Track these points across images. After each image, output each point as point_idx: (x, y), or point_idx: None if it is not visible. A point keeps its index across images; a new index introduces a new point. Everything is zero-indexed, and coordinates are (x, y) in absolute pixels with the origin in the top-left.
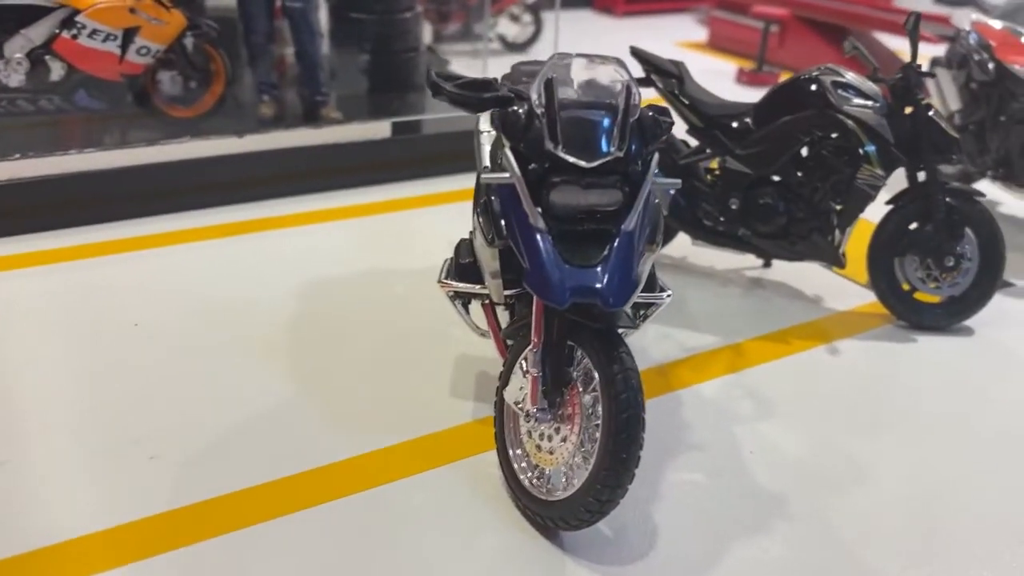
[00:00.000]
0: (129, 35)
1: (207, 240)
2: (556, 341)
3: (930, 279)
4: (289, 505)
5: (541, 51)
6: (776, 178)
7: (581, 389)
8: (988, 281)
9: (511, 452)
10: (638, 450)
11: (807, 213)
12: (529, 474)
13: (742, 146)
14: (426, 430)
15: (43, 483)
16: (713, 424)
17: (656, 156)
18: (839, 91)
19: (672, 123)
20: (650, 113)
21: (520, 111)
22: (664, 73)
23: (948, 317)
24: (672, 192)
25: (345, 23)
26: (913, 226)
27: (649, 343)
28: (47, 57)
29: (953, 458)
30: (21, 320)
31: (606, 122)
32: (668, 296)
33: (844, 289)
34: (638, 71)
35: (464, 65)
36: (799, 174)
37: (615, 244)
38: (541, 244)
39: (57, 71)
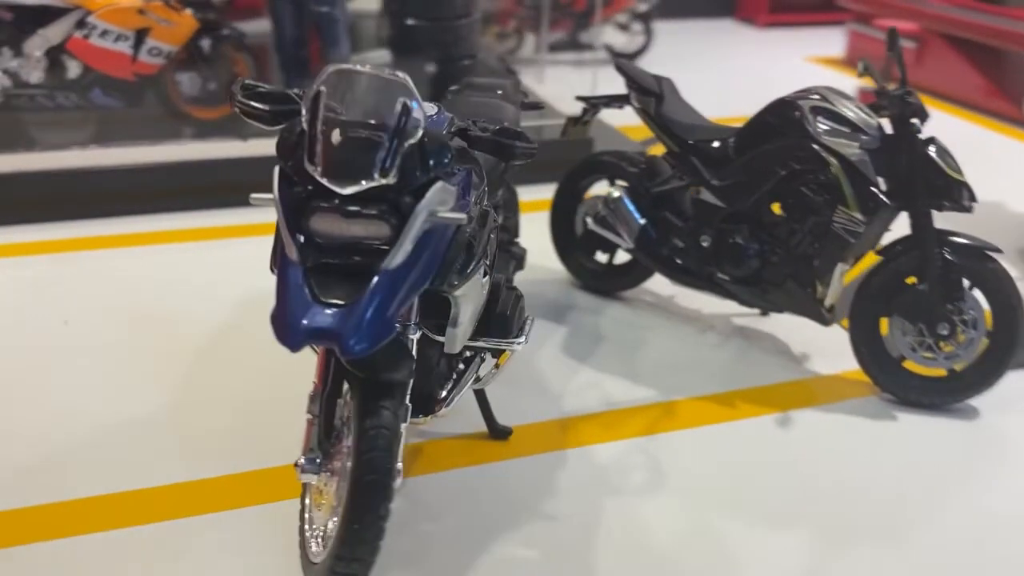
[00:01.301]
0: (141, 36)
1: (172, 243)
2: (331, 386)
3: (923, 347)
4: (90, 524)
5: (651, 63)
6: (753, 216)
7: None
8: (999, 357)
9: (306, 501)
10: (378, 521)
11: (782, 258)
12: (307, 529)
13: (719, 176)
14: (267, 464)
15: None
16: (584, 493)
17: (438, 185)
18: (819, 119)
19: (524, 148)
20: (437, 137)
21: (296, 128)
22: (644, 91)
23: (941, 394)
24: (640, 223)
25: (401, 30)
26: (911, 281)
27: (570, 390)
28: (64, 56)
29: None
30: None
31: (375, 144)
32: (518, 344)
33: (843, 349)
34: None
35: (561, 77)
36: (775, 212)
37: (371, 284)
38: (289, 277)
39: (74, 69)
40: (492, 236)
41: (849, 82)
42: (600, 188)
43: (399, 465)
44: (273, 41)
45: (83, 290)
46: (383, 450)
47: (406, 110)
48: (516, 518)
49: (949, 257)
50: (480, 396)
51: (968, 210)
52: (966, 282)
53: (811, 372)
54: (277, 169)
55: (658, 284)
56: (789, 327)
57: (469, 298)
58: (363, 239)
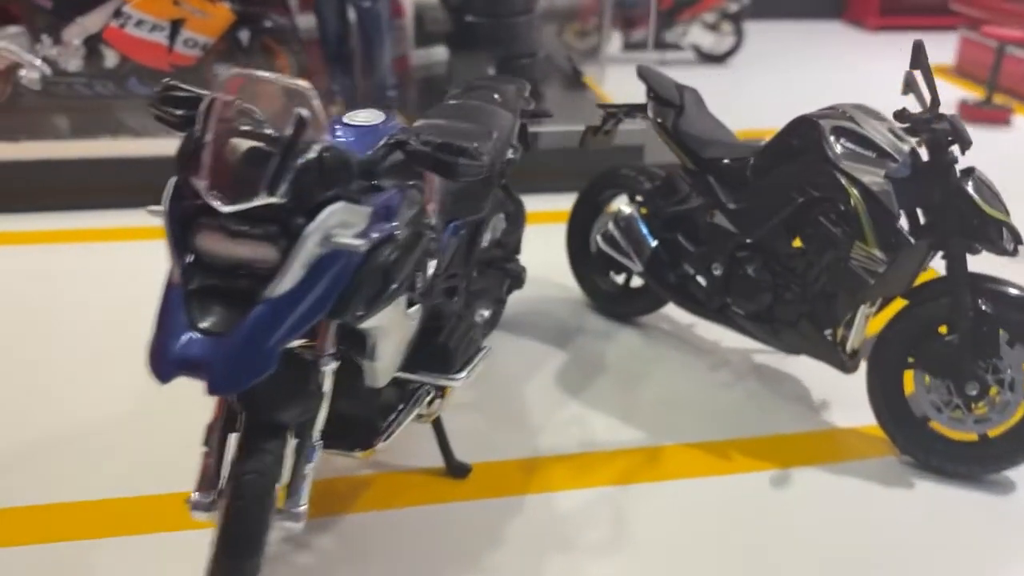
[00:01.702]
0: (176, 27)
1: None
2: (226, 418)
3: (950, 407)
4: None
5: (741, 64)
6: (767, 245)
7: None
8: None
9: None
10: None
11: (796, 295)
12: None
13: (735, 198)
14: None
15: None
16: (530, 546)
17: (336, 206)
18: (841, 141)
19: (466, 166)
20: (339, 153)
21: (194, 137)
22: (663, 101)
23: (970, 463)
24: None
25: (461, 27)
26: (942, 331)
27: (550, 426)
28: (101, 45)
29: None
30: None
31: (265, 159)
32: (456, 380)
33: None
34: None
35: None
36: (791, 243)
37: (251, 313)
38: (169, 300)
39: (111, 58)
40: (430, 260)
41: (957, 93)
42: (622, 203)
43: (303, 508)
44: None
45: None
46: (253, 499)
47: (301, 123)
48: (448, 569)
49: (985, 306)
50: (438, 428)
51: (1010, 254)
52: (1004, 336)
53: (826, 424)
54: (172, 181)
55: (679, 311)
56: (813, 370)
57: (388, 330)
58: (250, 262)
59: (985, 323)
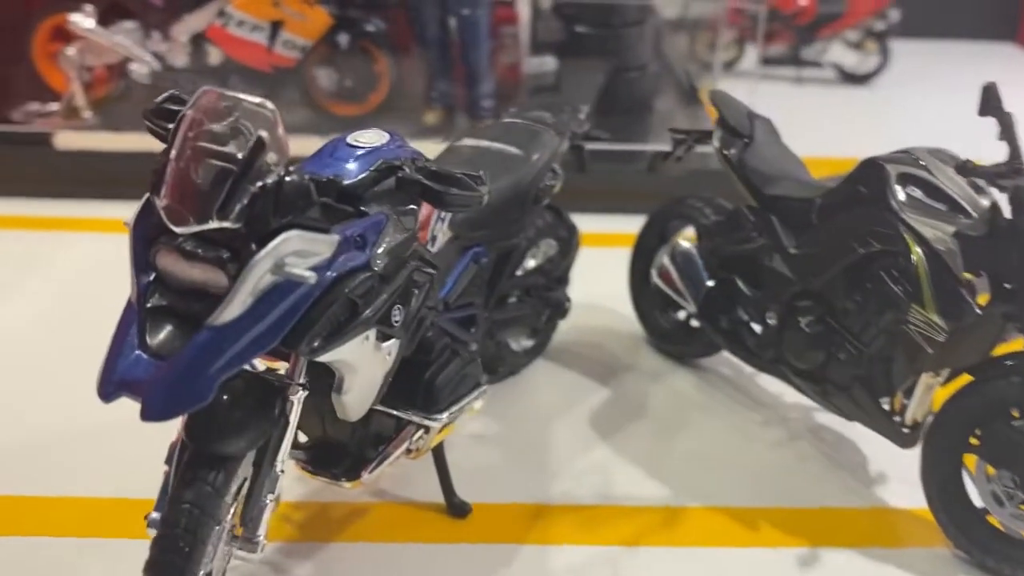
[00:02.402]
0: (276, 28)
1: None
2: (182, 444)
3: (1014, 503)
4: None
5: (885, 87)
6: (824, 297)
7: None
8: None
9: None
10: None
11: (851, 356)
12: None
13: (796, 242)
14: None
15: None
16: None
17: (290, 234)
18: (908, 189)
19: (458, 197)
20: (299, 179)
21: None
22: (731, 130)
23: None
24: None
25: (569, 36)
26: (1014, 414)
27: (570, 472)
28: (206, 43)
29: None
30: None
31: (220, 182)
32: (434, 421)
33: None
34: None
35: (775, 95)
36: (849, 298)
37: (193, 339)
38: (124, 318)
39: (215, 56)
40: (415, 291)
41: None
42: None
43: (260, 536)
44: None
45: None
46: (184, 531)
47: (259, 144)
48: None
49: None
50: (440, 463)
51: None
52: None
53: (876, 501)
54: (144, 197)
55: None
56: (878, 439)
57: (356, 365)
58: (203, 285)
59: None
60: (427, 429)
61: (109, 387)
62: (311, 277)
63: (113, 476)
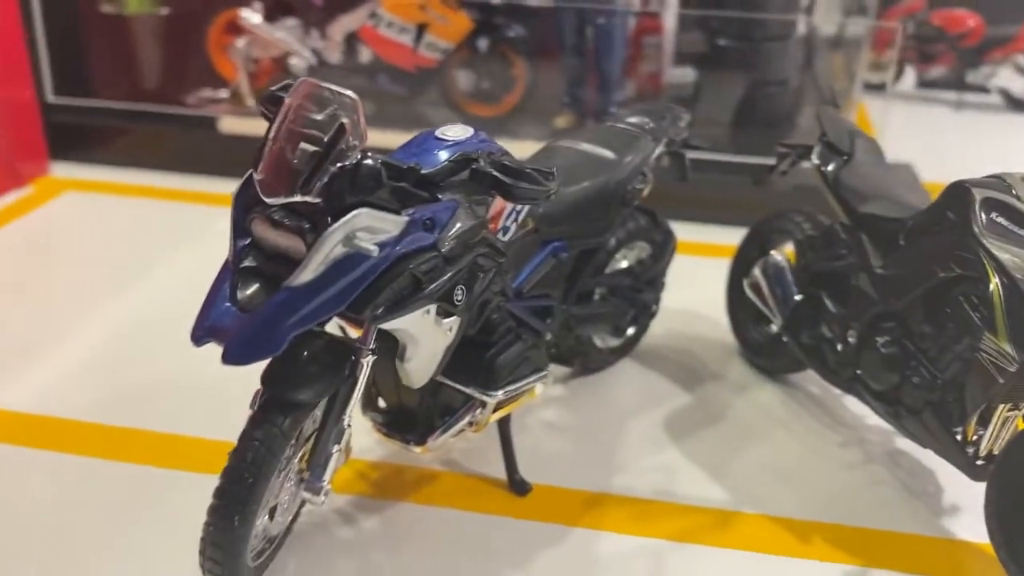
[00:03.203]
0: (421, 30)
1: None
2: (260, 390)
3: None
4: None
5: None
6: (905, 319)
7: None
8: None
9: None
10: (231, 530)
11: (925, 380)
12: None
13: (883, 262)
14: None
15: None
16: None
17: (361, 211)
18: (992, 215)
19: (526, 190)
20: (373, 163)
21: None
22: (830, 147)
23: None
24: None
25: (711, 48)
26: None
27: (637, 467)
28: (358, 42)
29: None
30: None
31: (305, 160)
32: (489, 397)
33: None
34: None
35: (934, 118)
36: (927, 322)
37: (272, 297)
38: (220, 275)
39: (365, 55)
40: (481, 275)
41: None
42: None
43: (325, 482)
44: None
45: None
46: (249, 465)
47: (340, 130)
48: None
49: None
50: (505, 441)
51: None
52: None
53: (942, 531)
54: (247, 173)
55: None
56: (956, 471)
57: (418, 336)
58: (286, 251)
59: None
60: (484, 404)
61: (200, 332)
62: (374, 251)
63: (218, 420)
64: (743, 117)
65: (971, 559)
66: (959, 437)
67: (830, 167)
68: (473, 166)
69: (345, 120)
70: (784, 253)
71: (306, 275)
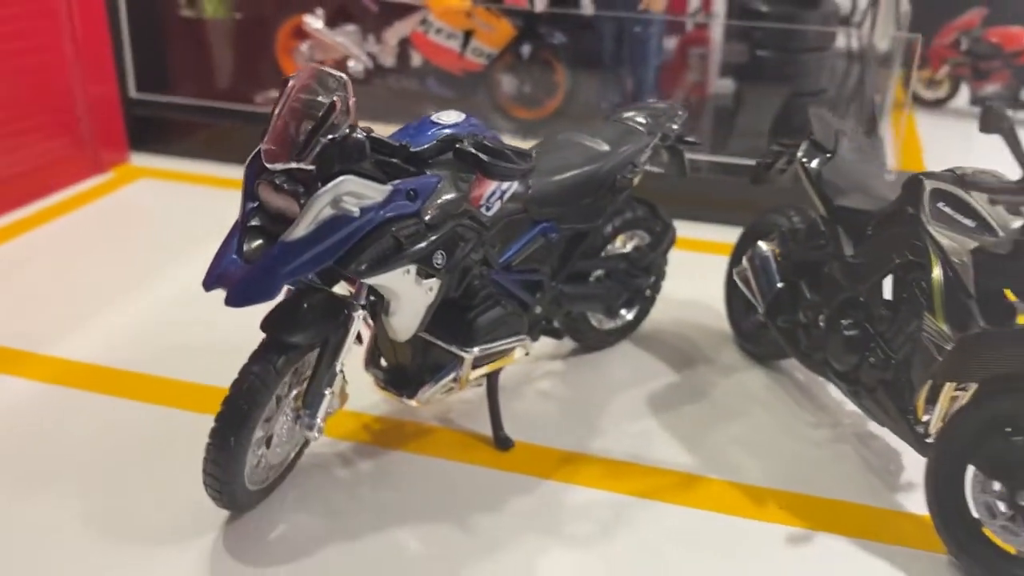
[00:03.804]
0: (467, 37)
1: None
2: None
3: (1003, 515)
4: None
5: None
6: (866, 304)
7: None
8: None
9: None
10: (226, 449)
11: (879, 360)
12: None
13: (852, 251)
14: None
15: None
16: (518, 524)
17: (346, 178)
18: (938, 205)
19: (504, 168)
20: (359, 137)
21: None
22: (815, 144)
23: None
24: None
25: (753, 60)
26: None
27: (616, 432)
28: (410, 47)
29: None
30: None
31: (300, 131)
32: (465, 352)
33: None
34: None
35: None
36: (885, 306)
37: (269, 250)
38: (230, 232)
39: (416, 59)
40: (461, 243)
41: None
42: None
43: (318, 420)
44: None
45: None
46: (244, 394)
47: (332, 107)
48: (442, 518)
49: None
50: (492, 400)
51: None
52: None
53: (894, 504)
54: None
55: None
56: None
57: (400, 293)
58: (284, 211)
59: None
60: (462, 361)
61: (210, 279)
62: (356, 212)
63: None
64: (780, 126)
65: (914, 528)
66: (911, 416)
67: (813, 163)
68: (457, 145)
69: (336, 97)
70: (772, 245)
71: (298, 232)
